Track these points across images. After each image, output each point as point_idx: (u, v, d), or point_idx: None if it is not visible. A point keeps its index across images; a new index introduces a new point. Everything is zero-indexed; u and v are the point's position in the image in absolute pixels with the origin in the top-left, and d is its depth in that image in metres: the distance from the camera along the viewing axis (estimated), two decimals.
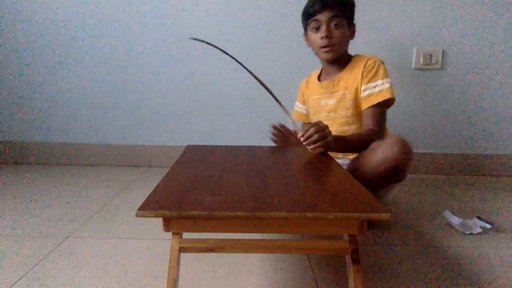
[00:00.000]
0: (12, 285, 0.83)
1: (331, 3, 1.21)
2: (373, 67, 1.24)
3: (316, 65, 1.44)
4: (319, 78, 1.40)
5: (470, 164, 1.94)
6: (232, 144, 1.29)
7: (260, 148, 1.20)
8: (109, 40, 1.89)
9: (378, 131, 1.20)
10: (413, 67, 1.86)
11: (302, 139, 1.03)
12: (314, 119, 1.38)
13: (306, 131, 1.02)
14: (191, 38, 1.21)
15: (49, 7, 1.87)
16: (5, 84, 1.93)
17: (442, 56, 1.86)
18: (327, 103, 1.33)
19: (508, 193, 1.64)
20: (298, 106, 1.51)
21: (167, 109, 1.95)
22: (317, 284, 0.86)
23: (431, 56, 1.85)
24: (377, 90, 1.22)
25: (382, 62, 1.26)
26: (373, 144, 1.10)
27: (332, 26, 1.23)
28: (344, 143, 1.13)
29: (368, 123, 1.22)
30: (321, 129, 1.02)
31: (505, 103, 1.90)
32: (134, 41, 1.89)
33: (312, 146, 1.03)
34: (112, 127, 1.97)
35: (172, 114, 1.96)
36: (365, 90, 1.24)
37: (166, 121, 1.96)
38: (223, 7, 1.86)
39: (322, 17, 1.22)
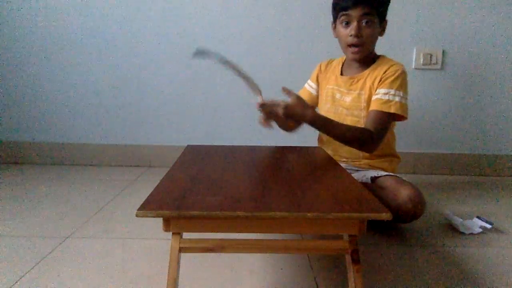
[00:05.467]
0: (12, 285, 0.83)
1: None
2: (393, 74, 1.19)
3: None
4: (341, 69, 1.33)
5: (470, 164, 1.94)
6: (232, 144, 1.29)
7: (260, 148, 1.20)
8: (109, 40, 1.89)
9: (374, 135, 1.14)
10: (413, 67, 1.86)
11: (258, 106, 1.10)
12: (325, 108, 1.33)
13: (268, 102, 1.09)
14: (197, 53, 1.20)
15: (49, 7, 1.86)
16: (5, 84, 1.93)
17: (442, 56, 1.86)
18: (343, 99, 1.29)
19: (508, 193, 1.65)
20: (309, 85, 1.42)
21: (167, 109, 1.95)
22: (317, 284, 0.86)
23: (431, 56, 1.85)
24: (386, 98, 1.17)
25: (405, 73, 1.21)
26: (389, 186, 1.11)
27: (363, 24, 1.16)
28: (323, 125, 1.13)
29: (368, 125, 1.16)
30: (280, 106, 1.07)
31: (505, 103, 1.90)
32: (134, 41, 1.89)
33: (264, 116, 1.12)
34: (112, 127, 1.97)
35: (172, 114, 1.96)
36: (376, 94, 1.20)
37: (166, 121, 1.96)
38: (222, 6, 1.86)
39: (354, 13, 1.15)
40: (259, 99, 1.11)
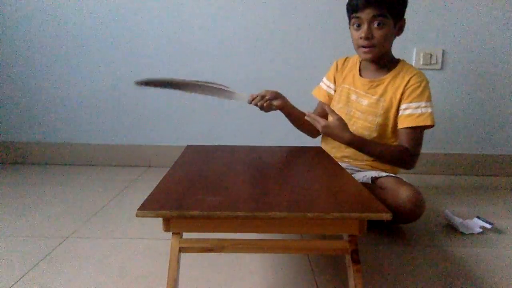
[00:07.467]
0: (12, 285, 0.83)
1: (375, 0, 1.10)
2: (419, 86, 1.16)
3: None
4: (359, 70, 1.30)
5: (470, 164, 1.94)
6: (232, 144, 1.29)
7: (260, 148, 1.20)
8: (109, 40, 1.89)
9: (412, 153, 1.16)
10: None
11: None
12: (337, 107, 1.29)
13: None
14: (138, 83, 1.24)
15: (49, 7, 1.86)
16: (5, 84, 1.93)
17: (442, 56, 1.86)
18: (358, 101, 1.26)
19: (508, 193, 1.64)
20: (325, 83, 1.38)
21: (167, 109, 1.95)
22: (317, 284, 0.86)
23: (431, 56, 1.85)
24: (418, 112, 1.15)
25: (428, 81, 1.19)
26: (389, 187, 1.12)
27: (375, 25, 1.13)
28: (360, 146, 1.15)
29: (403, 142, 1.17)
30: (320, 123, 1.14)
31: (505, 103, 1.90)
32: (134, 41, 1.89)
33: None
34: (112, 127, 1.97)
35: (172, 114, 1.95)
36: (406, 109, 1.17)
37: (166, 121, 1.96)
38: (222, 6, 1.86)
39: (364, 15, 1.12)
40: (245, 98, 1.26)
